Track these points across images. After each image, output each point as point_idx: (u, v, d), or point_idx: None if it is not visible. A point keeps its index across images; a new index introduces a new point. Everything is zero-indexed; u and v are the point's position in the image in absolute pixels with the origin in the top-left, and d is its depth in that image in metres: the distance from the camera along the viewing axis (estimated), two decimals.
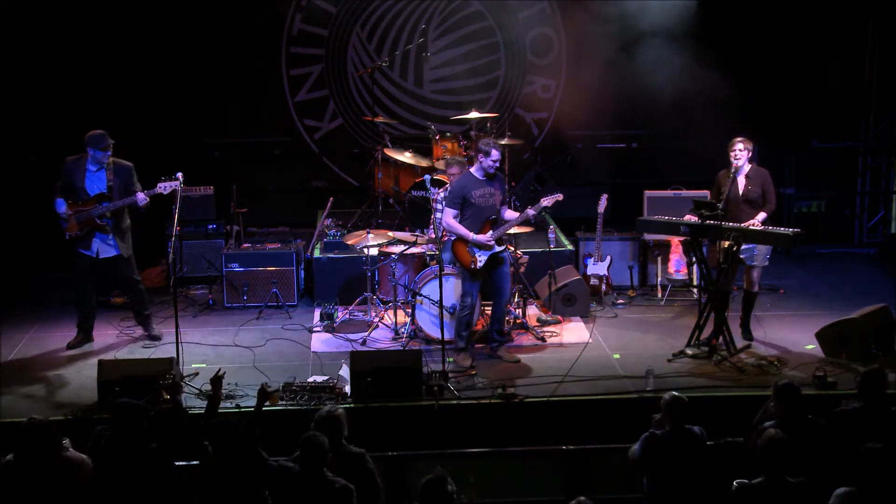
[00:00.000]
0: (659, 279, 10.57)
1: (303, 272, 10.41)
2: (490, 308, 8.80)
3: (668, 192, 10.78)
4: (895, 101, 12.49)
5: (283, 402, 7.63)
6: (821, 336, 8.71)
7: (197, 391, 7.88)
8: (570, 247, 10.65)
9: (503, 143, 10.73)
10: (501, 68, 12.75)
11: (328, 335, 9.27)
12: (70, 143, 9.12)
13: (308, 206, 12.16)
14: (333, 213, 11.07)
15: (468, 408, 7.70)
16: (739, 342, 8.81)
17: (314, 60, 12.59)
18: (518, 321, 9.34)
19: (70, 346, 8.96)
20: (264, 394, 6.39)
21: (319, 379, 7.90)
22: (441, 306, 8.35)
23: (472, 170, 8.50)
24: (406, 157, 10.99)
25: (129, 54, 11.62)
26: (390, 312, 9.37)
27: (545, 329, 9.37)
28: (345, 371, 8.00)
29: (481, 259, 8.40)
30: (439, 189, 9.45)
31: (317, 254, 10.29)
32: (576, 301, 9.78)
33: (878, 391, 6.55)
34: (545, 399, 7.78)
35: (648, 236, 10.62)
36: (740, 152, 8.69)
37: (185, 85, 11.90)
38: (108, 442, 6.03)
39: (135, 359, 8.26)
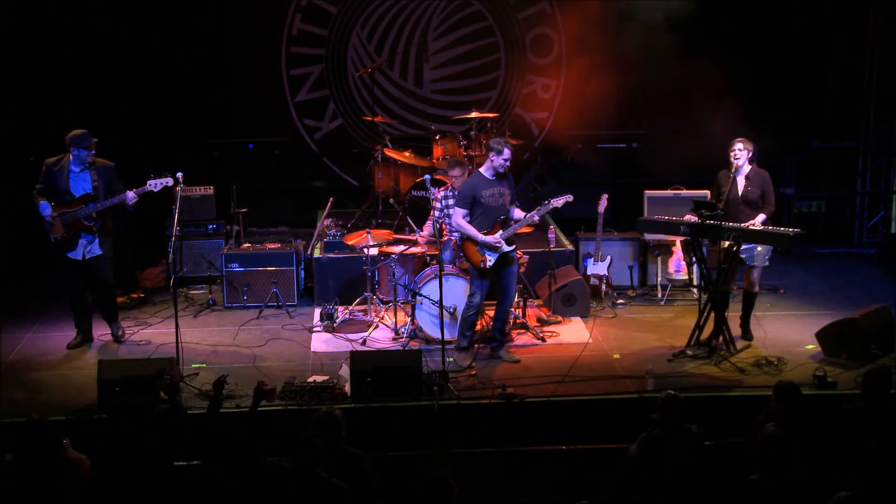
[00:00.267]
0: (659, 279, 10.57)
1: (303, 272, 10.41)
2: (490, 308, 8.80)
3: (668, 192, 10.78)
4: (895, 101, 12.49)
5: (284, 402, 7.64)
6: (821, 336, 8.71)
7: (197, 391, 7.88)
8: (570, 247, 10.65)
9: None
10: (501, 68, 12.76)
11: (328, 335, 9.27)
12: None
13: (308, 206, 12.17)
14: (333, 213, 11.06)
15: (468, 408, 7.71)
16: (739, 342, 8.82)
17: (314, 60, 12.59)
18: (518, 321, 9.34)
19: (70, 347, 8.96)
20: (260, 392, 6.39)
21: (319, 379, 7.90)
22: (441, 306, 8.35)
23: (482, 169, 8.48)
24: (406, 157, 11.00)
25: (130, 54, 11.63)
26: (390, 312, 9.37)
27: (545, 329, 9.37)
28: (345, 371, 8.00)
29: (491, 259, 8.39)
30: (439, 189, 9.45)
31: (317, 254, 10.28)
32: (576, 301, 9.78)
33: (882, 391, 6.52)
34: (545, 399, 7.78)
35: (648, 236, 10.62)
36: (740, 152, 8.69)
37: (186, 85, 11.90)
38: (107, 442, 6.03)
39: (135, 359, 8.25)
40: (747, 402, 7.52)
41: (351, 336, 9.17)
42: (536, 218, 8.47)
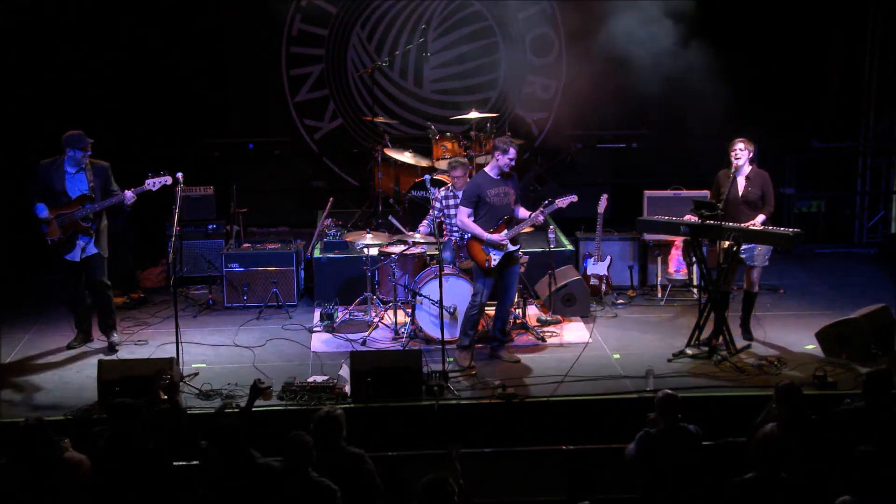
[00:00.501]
0: (659, 279, 10.57)
1: (303, 272, 10.41)
2: (490, 308, 8.80)
3: (668, 192, 10.78)
4: (895, 101, 12.49)
5: (284, 402, 7.64)
6: (821, 336, 8.71)
7: (197, 391, 7.88)
8: (570, 247, 10.65)
9: None
10: (501, 68, 12.76)
11: (328, 335, 9.27)
12: None
13: (308, 206, 12.17)
14: (333, 213, 11.06)
15: (468, 408, 7.71)
16: (739, 342, 8.82)
17: (314, 60, 12.59)
18: (518, 321, 9.34)
19: (70, 347, 8.96)
20: (257, 390, 6.38)
21: (319, 379, 7.90)
22: (441, 306, 8.35)
23: (487, 169, 8.49)
24: (406, 157, 11.00)
25: (130, 54, 11.62)
26: (390, 312, 9.37)
27: (545, 329, 9.36)
28: (345, 371, 8.00)
29: (495, 258, 8.39)
30: (439, 189, 9.45)
31: (317, 254, 10.28)
32: (576, 301, 9.78)
33: (883, 392, 6.51)
34: (545, 399, 7.78)
35: (648, 236, 10.62)
36: (741, 152, 8.69)
37: (185, 85, 11.90)
38: (107, 442, 6.02)
39: (135, 359, 8.25)
40: (747, 402, 7.51)
41: (351, 336, 9.17)
42: (541, 218, 8.47)
